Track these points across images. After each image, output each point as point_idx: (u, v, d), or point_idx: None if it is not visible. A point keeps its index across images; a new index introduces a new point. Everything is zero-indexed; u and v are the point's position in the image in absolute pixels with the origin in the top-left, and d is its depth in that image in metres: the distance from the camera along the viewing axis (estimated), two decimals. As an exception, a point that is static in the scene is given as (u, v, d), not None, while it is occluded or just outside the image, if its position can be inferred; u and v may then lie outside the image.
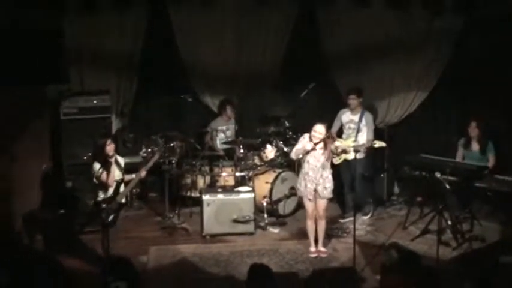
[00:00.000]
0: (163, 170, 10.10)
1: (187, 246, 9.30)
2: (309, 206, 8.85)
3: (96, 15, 10.16)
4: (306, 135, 8.78)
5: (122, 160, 8.49)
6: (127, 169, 8.61)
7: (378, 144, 9.47)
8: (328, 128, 8.86)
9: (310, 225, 8.95)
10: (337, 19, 10.64)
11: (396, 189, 11.29)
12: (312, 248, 8.97)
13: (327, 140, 8.65)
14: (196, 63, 10.83)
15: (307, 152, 8.71)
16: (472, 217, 9.31)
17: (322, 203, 8.82)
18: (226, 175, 10.34)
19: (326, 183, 8.73)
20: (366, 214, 10.34)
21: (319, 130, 8.59)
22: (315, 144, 8.66)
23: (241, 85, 11.10)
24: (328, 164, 8.73)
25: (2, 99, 8.80)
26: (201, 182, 10.43)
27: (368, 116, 10.08)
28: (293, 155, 9.01)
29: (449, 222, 9.20)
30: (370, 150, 9.95)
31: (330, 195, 8.85)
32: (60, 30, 10.00)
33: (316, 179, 8.69)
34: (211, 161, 10.56)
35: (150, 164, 8.62)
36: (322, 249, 8.97)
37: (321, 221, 8.90)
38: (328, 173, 8.74)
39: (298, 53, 10.93)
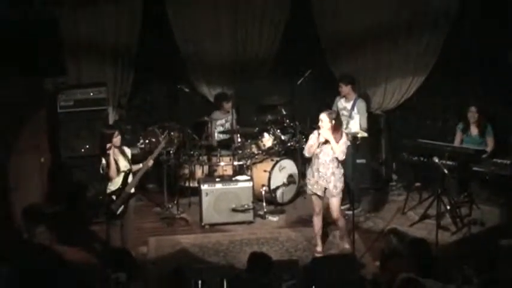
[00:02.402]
0: (161, 160, 10.09)
1: (186, 236, 9.32)
2: (316, 203, 8.41)
3: (92, 6, 10.12)
4: (316, 132, 8.24)
5: (128, 151, 8.39)
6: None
7: (360, 134, 9.50)
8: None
9: (316, 223, 8.51)
10: (332, 4, 10.59)
11: (394, 175, 11.28)
12: (319, 248, 8.60)
13: (333, 127, 8.14)
14: (193, 53, 10.81)
15: (317, 146, 8.18)
16: (471, 201, 9.31)
17: (333, 202, 8.31)
18: (224, 164, 10.30)
19: (337, 182, 8.23)
20: (358, 206, 9.99)
21: (322, 118, 8.12)
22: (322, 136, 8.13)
23: (238, 74, 11.06)
24: (339, 159, 8.21)
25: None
26: (199, 172, 10.41)
27: (360, 104, 10.00)
28: (306, 153, 8.40)
29: (448, 207, 9.21)
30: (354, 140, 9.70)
31: (340, 195, 8.32)
32: (57, 21, 9.96)
33: (327, 175, 8.21)
34: (209, 150, 10.55)
35: (157, 152, 8.61)
36: (346, 246, 8.50)
37: (337, 221, 8.44)
38: (339, 171, 8.25)
39: (294, 40, 10.90)
